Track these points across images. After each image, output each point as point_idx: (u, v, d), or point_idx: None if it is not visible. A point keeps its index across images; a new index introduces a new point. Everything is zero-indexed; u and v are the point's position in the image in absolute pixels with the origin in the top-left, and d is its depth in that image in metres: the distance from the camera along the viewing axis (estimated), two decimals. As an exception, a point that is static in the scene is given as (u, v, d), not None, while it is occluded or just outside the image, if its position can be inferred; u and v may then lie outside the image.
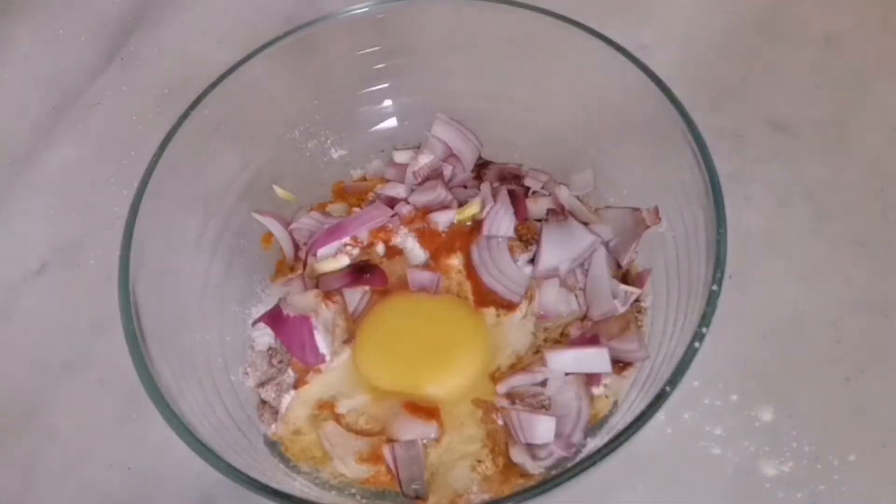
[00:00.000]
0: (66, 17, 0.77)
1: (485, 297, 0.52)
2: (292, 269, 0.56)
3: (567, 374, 0.48)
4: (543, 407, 0.47)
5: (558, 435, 0.46)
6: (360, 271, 0.53)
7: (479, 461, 0.47)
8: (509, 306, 0.51)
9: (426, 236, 0.54)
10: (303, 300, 0.51)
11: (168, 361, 0.44)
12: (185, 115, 0.50)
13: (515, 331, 0.51)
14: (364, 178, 0.61)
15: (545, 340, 0.51)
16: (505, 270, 0.52)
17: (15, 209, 0.66)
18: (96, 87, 0.72)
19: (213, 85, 0.51)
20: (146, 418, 0.53)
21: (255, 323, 0.52)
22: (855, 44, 0.65)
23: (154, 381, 0.42)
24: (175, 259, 0.50)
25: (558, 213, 0.54)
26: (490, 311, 0.51)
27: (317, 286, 0.53)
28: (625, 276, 0.52)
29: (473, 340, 0.50)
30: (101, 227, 0.63)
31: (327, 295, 0.52)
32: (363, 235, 0.54)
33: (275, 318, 0.50)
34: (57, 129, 0.70)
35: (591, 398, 0.47)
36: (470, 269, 0.53)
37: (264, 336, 0.53)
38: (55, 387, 0.57)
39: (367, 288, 0.53)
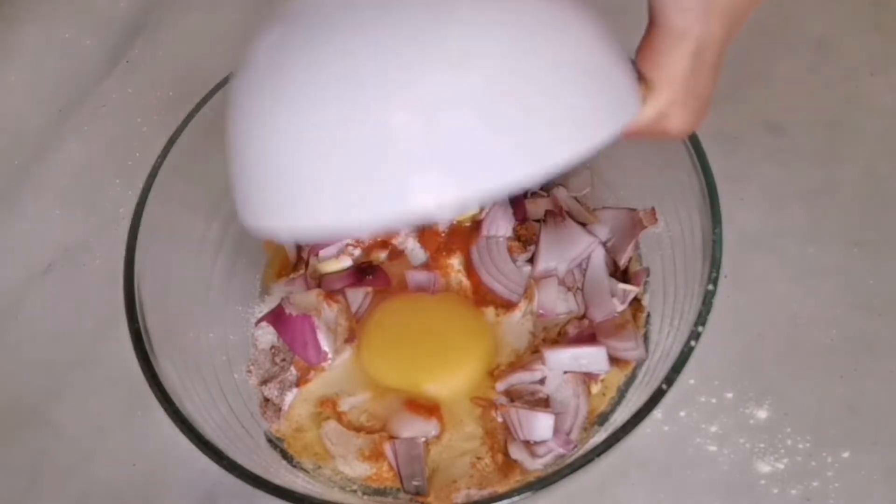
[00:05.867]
0: (72, 20, 0.77)
1: (484, 296, 0.52)
2: (295, 269, 0.56)
3: (565, 372, 0.48)
4: (542, 404, 0.48)
5: (556, 432, 0.46)
6: (363, 272, 0.54)
7: (479, 458, 0.47)
8: (508, 305, 0.52)
9: (426, 237, 0.54)
10: (305, 300, 0.51)
11: (172, 360, 0.45)
12: (189, 118, 0.50)
13: (514, 329, 0.51)
14: (365, 180, 0.61)
15: (544, 339, 0.51)
16: (504, 270, 0.52)
17: (22, 210, 0.66)
18: (102, 90, 0.72)
19: (217, 87, 0.51)
20: (151, 416, 0.54)
21: (258, 322, 0.53)
22: (848, 45, 0.64)
23: (158, 379, 0.42)
24: (179, 259, 0.50)
25: (556, 213, 0.54)
26: (489, 311, 0.52)
27: (319, 286, 0.53)
28: (624, 276, 0.52)
29: (474, 339, 0.51)
30: (106, 227, 0.63)
31: (329, 295, 0.52)
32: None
33: (277, 317, 0.51)
34: (63, 130, 0.70)
35: (589, 395, 0.48)
36: (469, 269, 0.53)
37: (267, 335, 0.53)
38: (61, 385, 0.58)
39: (369, 289, 0.53)
